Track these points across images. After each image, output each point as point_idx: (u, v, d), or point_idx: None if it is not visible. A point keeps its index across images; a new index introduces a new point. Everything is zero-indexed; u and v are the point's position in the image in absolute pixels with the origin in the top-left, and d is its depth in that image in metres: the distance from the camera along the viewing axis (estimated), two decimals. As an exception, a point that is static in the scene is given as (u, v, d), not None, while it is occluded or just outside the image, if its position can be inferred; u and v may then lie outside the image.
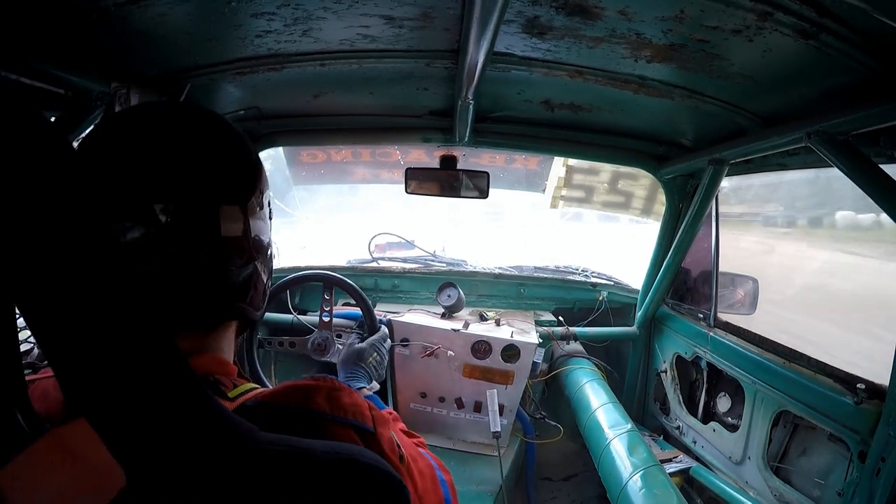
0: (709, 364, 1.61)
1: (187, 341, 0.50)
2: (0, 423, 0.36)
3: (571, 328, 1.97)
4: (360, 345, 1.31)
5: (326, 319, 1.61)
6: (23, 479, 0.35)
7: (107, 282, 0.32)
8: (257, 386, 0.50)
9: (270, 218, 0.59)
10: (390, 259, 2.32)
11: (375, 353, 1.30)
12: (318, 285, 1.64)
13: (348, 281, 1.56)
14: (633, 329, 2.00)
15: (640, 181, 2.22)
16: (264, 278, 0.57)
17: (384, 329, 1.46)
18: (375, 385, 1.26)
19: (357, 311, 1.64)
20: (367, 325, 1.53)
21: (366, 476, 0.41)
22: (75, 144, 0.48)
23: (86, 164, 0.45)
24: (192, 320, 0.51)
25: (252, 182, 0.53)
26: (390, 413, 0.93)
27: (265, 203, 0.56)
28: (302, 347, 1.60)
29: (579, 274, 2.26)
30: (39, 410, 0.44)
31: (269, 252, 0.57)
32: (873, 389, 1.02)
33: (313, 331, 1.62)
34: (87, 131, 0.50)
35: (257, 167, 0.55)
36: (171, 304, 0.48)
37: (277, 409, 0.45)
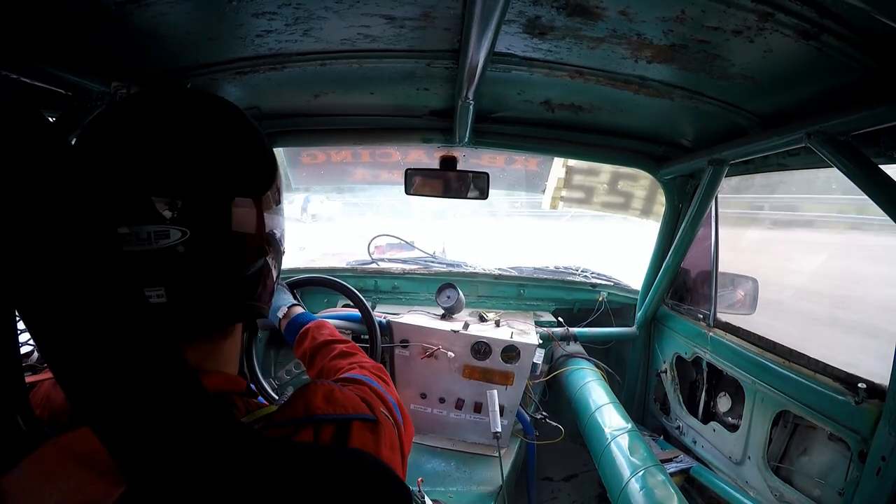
0: (709, 364, 1.61)
1: (195, 352, 0.49)
2: (0, 427, 0.35)
3: (571, 329, 1.98)
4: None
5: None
6: (27, 485, 0.34)
7: (106, 284, 0.31)
8: (271, 408, 0.50)
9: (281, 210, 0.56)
10: (390, 260, 2.32)
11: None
12: (317, 287, 1.64)
13: (364, 303, 1.53)
14: (633, 329, 2.00)
15: (640, 182, 2.21)
16: (274, 274, 0.55)
17: None
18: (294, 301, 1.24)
19: (355, 311, 1.63)
20: (370, 353, 1.50)
21: (366, 478, 0.42)
22: (76, 137, 0.47)
23: (85, 159, 0.44)
24: (201, 326, 0.49)
25: (269, 173, 0.51)
26: (309, 329, 0.98)
27: (279, 196, 0.54)
28: None
29: (579, 274, 2.26)
30: (45, 412, 0.44)
31: (280, 247, 0.56)
32: (873, 389, 1.02)
33: None
34: (88, 122, 0.47)
35: (273, 158, 0.53)
36: (179, 309, 0.45)
37: (285, 424, 0.46)
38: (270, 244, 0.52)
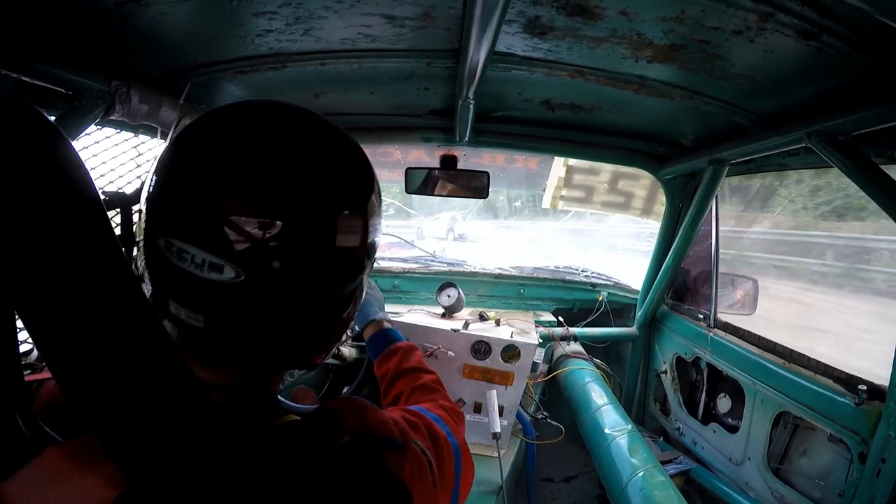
0: (709, 365, 1.61)
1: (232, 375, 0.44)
2: (1, 431, 0.35)
3: (571, 329, 1.97)
4: None
5: None
6: (30, 491, 0.34)
7: (106, 289, 0.31)
8: (290, 416, 0.48)
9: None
10: (390, 259, 2.32)
11: (373, 283, 1.22)
12: None
13: None
14: (632, 329, 2.00)
15: (641, 181, 2.22)
16: (365, 288, 0.50)
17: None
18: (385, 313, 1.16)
19: None
20: None
21: (366, 479, 0.42)
22: (95, 137, 0.44)
23: (175, 182, 0.40)
24: (240, 361, 0.44)
25: (371, 179, 0.46)
26: (399, 349, 0.91)
27: (381, 201, 0.49)
28: None
29: (579, 274, 2.26)
30: (49, 412, 0.44)
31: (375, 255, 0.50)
32: (873, 390, 1.02)
33: None
34: (175, 141, 0.43)
35: (370, 163, 0.48)
36: (220, 337, 0.41)
37: (311, 428, 0.45)
38: (369, 256, 0.47)
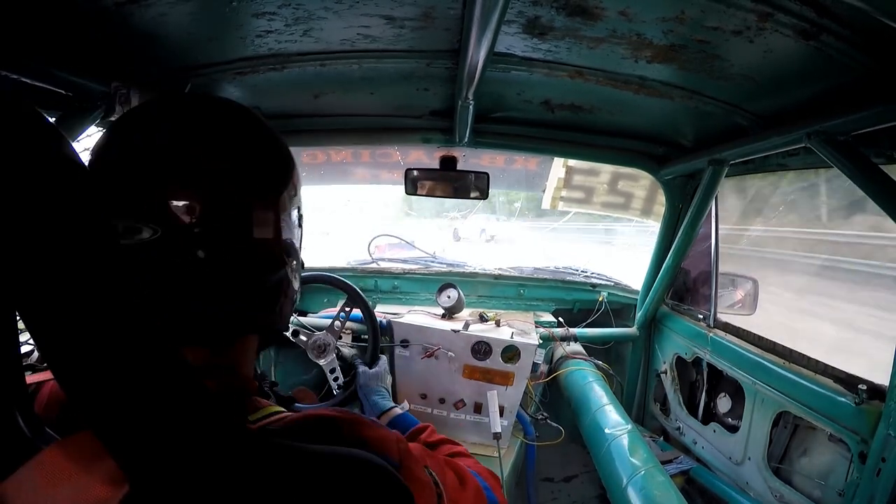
0: (709, 365, 1.61)
1: (200, 354, 0.47)
2: (1, 431, 0.35)
3: (571, 329, 1.97)
4: (375, 369, 1.48)
5: (337, 328, 1.64)
6: (29, 490, 0.34)
7: (107, 287, 0.31)
8: (281, 410, 0.49)
9: (302, 218, 0.54)
10: (390, 260, 2.32)
11: (389, 377, 1.51)
12: (317, 287, 1.67)
13: (369, 308, 1.64)
14: (633, 330, 2.00)
15: (640, 182, 2.22)
16: (295, 285, 0.53)
17: (384, 358, 1.60)
18: (406, 404, 1.46)
19: (358, 313, 1.64)
20: (371, 352, 1.59)
21: (369, 476, 0.42)
22: (95, 139, 0.47)
23: (101, 161, 0.44)
24: (209, 334, 0.47)
25: (286, 177, 0.50)
26: (426, 426, 0.93)
27: (298, 201, 0.52)
28: (303, 344, 1.62)
29: (579, 274, 2.26)
30: (50, 412, 0.43)
31: (300, 255, 0.54)
32: (873, 389, 1.02)
33: (312, 332, 1.63)
34: (109, 125, 0.47)
35: (291, 160, 0.51)
36: (187, 315, 0.45)
37: (301, 434, 0.45)
38: (289, 253, 0.50)
